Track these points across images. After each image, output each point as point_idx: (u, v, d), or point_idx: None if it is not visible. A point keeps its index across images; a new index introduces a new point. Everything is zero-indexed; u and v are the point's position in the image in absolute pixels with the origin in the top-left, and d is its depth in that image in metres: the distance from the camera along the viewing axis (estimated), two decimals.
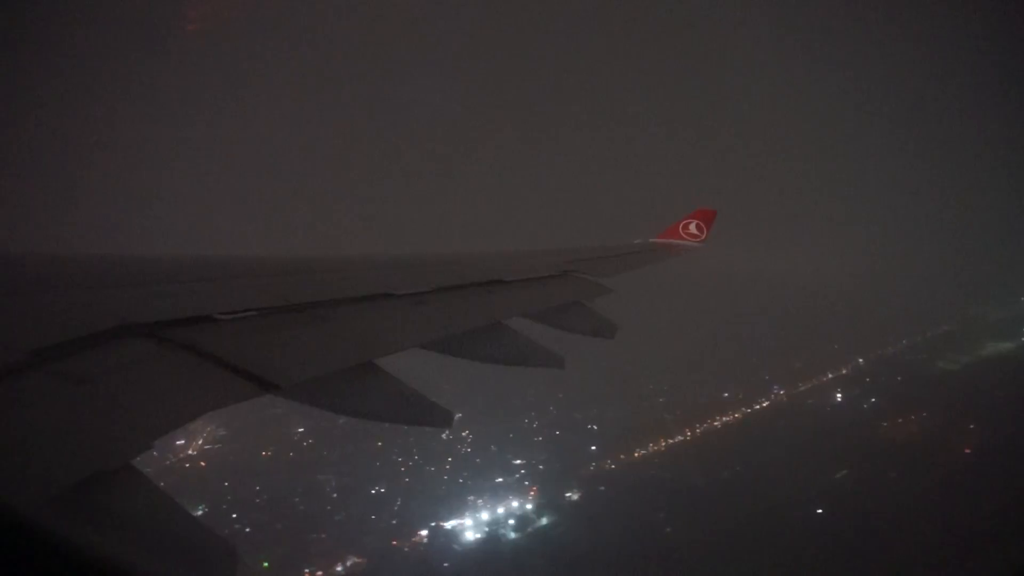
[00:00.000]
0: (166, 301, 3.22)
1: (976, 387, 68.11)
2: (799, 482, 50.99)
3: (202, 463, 55.77)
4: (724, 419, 68.01)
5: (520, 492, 53.95)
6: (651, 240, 12.93)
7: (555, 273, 6.65)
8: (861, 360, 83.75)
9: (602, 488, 54.18)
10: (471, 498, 52.21)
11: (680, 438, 63.73)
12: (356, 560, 44.26)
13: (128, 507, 1.81)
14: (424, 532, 48.15)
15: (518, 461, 58.32)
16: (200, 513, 44.72)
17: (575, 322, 5.40)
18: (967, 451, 55.46)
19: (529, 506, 52.27)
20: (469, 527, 49.43)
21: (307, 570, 42.98)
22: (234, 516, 47.16)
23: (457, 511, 50.57)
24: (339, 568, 43.68)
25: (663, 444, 62.30)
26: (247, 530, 45.30)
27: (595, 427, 65.16)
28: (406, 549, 46.59)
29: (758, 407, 71.00)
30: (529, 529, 49.72)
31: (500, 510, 51.42)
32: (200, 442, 58.02)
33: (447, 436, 57.76)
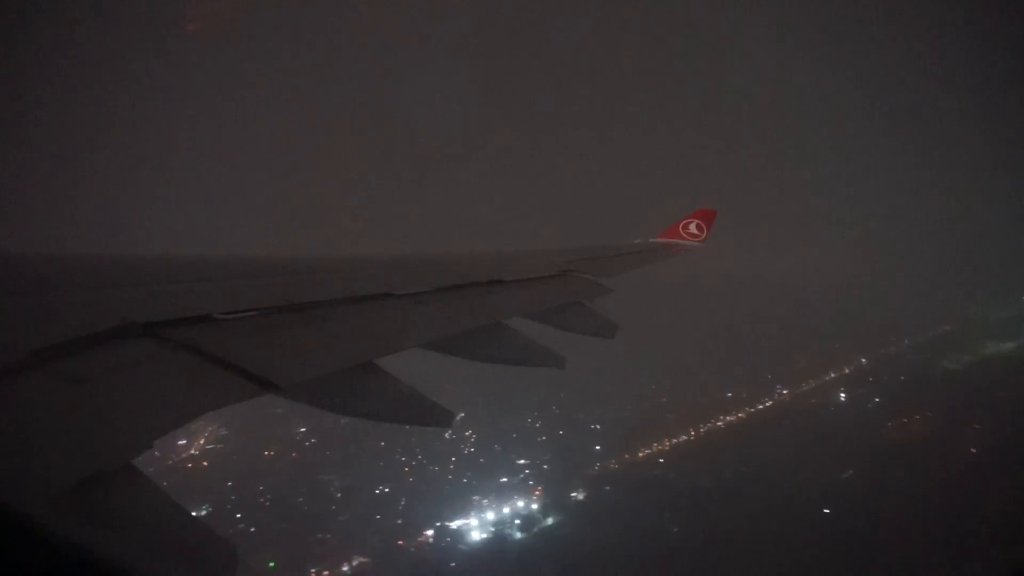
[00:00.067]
0: (166, 301, 3.21)
1: (980, 387, 67.90)
2: (804, 482, 50.80)
3: (204, 463, 55.86)
4: (727, 419, 67.84)
5: (525, 492, 53.97)
6: (651, 240, 12.90)
7: (555, 273, 6.63)
8: (864, 360, 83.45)
9: (607, 488, 54.15)
10: (476, 498, 52.24)
11: (684, 438, 63.62)
12: (362, 560, 44.32)
13: (128, 507, 1.81)
14: (430, 532, 48.18)
15: (522, 461, 58.34)
16: (204, 513, 44.94)
17: (575, 322, 5.38)
18: (973, 451, 55.29)
19: (535, 506, 52.30)
20: (475, 527, 49.48)
21: (313, 570, 43.03)
22: (238, 516, 47.28)
23: (462, 511, 50.57)
24: (345, 568, 43.74)
25: (667, 444, 62.22)
26: (252, 530, 45.47)
27: (598, 427, 65.06)
28: (412, 549, 46.63)
29: (761, 407, 70.79)
30: (535, 529, 49.78)
31: (506, 510, 51.46)
32: (202, 441, 58.11)
33: (450, 436, 57.88)
